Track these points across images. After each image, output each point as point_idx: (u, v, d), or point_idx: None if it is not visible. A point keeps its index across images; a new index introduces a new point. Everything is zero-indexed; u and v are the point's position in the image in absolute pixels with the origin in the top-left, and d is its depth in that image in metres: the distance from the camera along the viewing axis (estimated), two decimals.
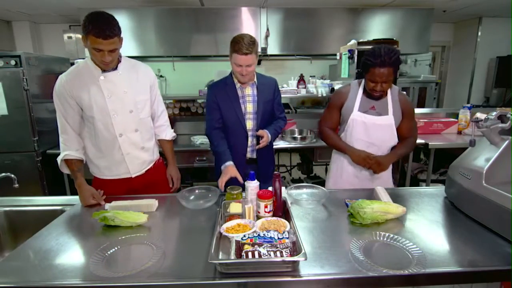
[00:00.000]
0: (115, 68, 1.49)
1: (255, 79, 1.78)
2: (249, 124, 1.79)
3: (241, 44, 1.55)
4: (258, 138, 1.78)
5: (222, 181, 1.56)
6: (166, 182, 1.81)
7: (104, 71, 1.46)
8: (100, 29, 1.29)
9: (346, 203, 1.40)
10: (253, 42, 1.58)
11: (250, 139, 1.81)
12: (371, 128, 1.67)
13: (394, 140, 1.71)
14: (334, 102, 1.78)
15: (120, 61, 1.52)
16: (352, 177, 1.80)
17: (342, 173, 1.82)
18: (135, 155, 1.60)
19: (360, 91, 1.70)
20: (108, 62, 1.40)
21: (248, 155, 1.84)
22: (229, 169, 1.60)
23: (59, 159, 1.52)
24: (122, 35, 1.40)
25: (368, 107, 1.68)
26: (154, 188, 1.68)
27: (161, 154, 1.83)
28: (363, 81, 1.69)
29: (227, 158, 1.67)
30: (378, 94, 1.63)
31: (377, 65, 1.51)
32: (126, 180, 1.63)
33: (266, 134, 1.74)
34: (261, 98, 1.79)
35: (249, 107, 1.78)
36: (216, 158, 1.80)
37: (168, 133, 1.78)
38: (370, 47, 2.82)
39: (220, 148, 1.73)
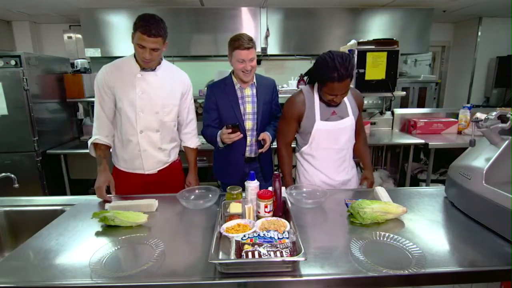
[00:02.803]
0: (153, 69, 1.58)
1: (254, 80, 1.79)
2: (248, 124, 1.79)
3: (242, 40, 1.61)
4: (259, 139, 1.78)
5: (236, 137, 1.60)
6: (179, 184, 1.83)
7: (142, 69, 1.55)
8: (147, 27, 1.40)
9: (346, 203, 1.39)
10: (251, 39, 1.64)
11: (249, 138, 1.81)
12: (337, 134, 1.61)
13: (354, 139, 1.71)
14: (290, 115, 1.63)
15: (160, 64, 1.61)
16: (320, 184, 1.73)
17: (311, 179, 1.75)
18: (151, 154, 1.65)
19: (317, 98, 1.59)
20: (148, 60, 1.47)
21: (247, 154, 1.85)
22: (222, 132, 1.62)
23: (89, 142, 1.61)
24: (167, 41, 1.52)
25: (329, 113, 1.60)
26: (167, 187, 1.70)
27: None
28: (315, 86, 1.60)
29: (216, 132, 1.71)
30: (337, 104, 1.57)
31: (335, 79, 1.39)
32: (140, 176, 1.68)
33: (267, 137, 1.74)
34: (261, 99, 1.79)
35: (248, 108, 1.78)
36: (209, 138, 1.79)
37: (192, 142, 1.82)
38: (370, 47, 2.85)
39: (210, 131, 1.76)
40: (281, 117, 1.72)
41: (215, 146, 1.77)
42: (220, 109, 1.78)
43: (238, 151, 1.82)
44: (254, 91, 1.79)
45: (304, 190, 1.54)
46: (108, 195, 1.51)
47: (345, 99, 1.62)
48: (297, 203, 1.40)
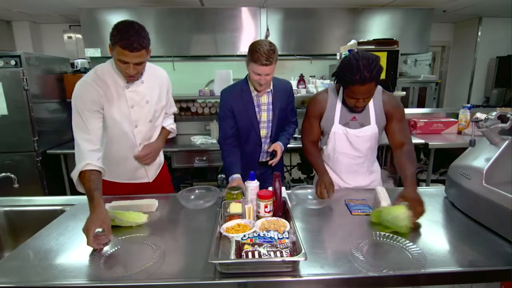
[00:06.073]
0: (139, 78, 1.45)
1: (271, 87, 1.71)
2: (263, 132, 1.76)
3: (260, 54, 1.47)
4: (271, 144, 1.77)
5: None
6: (168, 183, 1.81)
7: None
8: (128, 40, 1.21)
9: (346, 204, 1.39)
10: (273, 50, 1.50)
11: (263, 145, 1.79)
12: (354, 141, 1.54)
13: (377, 146, 1.60)
14: (312, 113, 1.59)
15: (144, 70, 1.46)
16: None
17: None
18: (154, 161, 1.63)
19: (339, 100, 1.53)
20: (132, 75, 1.34)
21: (260, 159, 1.83)
22: (235, 182, 1.57)
23: (75, 173, 1.25)
24: (150, 48, 1.34)
25: (349, 118, 1.53)
26: (157, 189, 1.67)
27: (166, 158, 1.82)
28: (341, 88, 1.51)
29: (235, 170, 1.62)
30: (360, 110, 1.48)
31: (356, 82, 1.30)
32: (131, 184, 1.63)
33: (279, 148, 1.71)
34: (277, 106, 1.72)
35: (263, 116, 1.73)
36: (224, 166, 1.74)
37: (166, 122, 1.70)
38: (370, 47, 2.84)
39: (230, 158, 1.68)
40: (304, 115, 1.66)
41: (225, 172, 1.75)
42: (236, 117, 1.70)
43: (253, 158, 1.80)
44: (270, 98, 1.72)
45: (309, 191, 1.51)
46: (101, 239, 1.08)
47: (370, 105, 1.52)
48: (302, 204, 1.39)
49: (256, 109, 1.70)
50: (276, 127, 1.76)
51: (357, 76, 1.29)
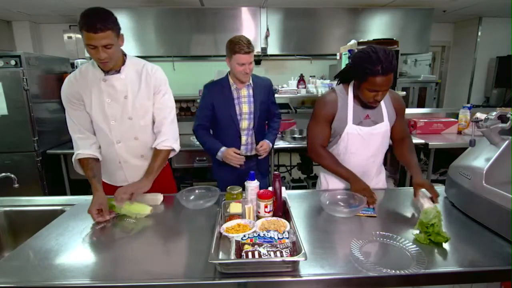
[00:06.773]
0: (118, 71, 1.41)
1: (250, 81, 1.83)
2: (244, 124, 1.84)
3: (242, 45, 1.65)
4: (256, 136, 1.88)
5: (237, 162, 1.74)
6: (169, 188, 1.71)
7: (106, 73, 1.39)
8: (91, 23, 1.21)
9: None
10: (250, 42, 1.69)
11: (244, 138, 1.87)
12: (369, 140, 1.49)
13: (387, 145, 1.57)
14: (322, 115, 1.50)
15: (125, 63, 1.42)
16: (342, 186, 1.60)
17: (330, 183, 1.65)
18: (133, 163, 1.52)
19: (351, 99, 1.48)
20: (104, 60, 1.28)
21: (243, 152, 1.88)
22: (228, 151, 1.72)
23: (73, 159, 1.46)
24: (122, 33, 1.33)
25: (362, 117, 1.48)
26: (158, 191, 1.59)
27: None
28: (350, 86, 1.48)
29: (218, 146, 1.79)
30: (377, 105, 1.43)
31: (378, 73, 1.28)
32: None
33: (266, 143, 1.85)
34: (257, 99, 1.84)
35: (244, 108, 1.83)
36: (208, 148, 1.87)
37: (160, 142, 1.47)
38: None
39: (210, 140, 1.84)
40: (311, 118, 1.56)
41: (210, 154, 1.86)
42: (216, 109, 1.82)
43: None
44: (251, 91, 1.84)
45: (339, 197, 1.42)
46: (102, 215, 1.29)
47: (382, 102, 1.47)
48: (331, 211, 1.31)
49: (236, 101, 1.81)
50: (258, 119, 1.86)
51: (378, 67, 1.28)
